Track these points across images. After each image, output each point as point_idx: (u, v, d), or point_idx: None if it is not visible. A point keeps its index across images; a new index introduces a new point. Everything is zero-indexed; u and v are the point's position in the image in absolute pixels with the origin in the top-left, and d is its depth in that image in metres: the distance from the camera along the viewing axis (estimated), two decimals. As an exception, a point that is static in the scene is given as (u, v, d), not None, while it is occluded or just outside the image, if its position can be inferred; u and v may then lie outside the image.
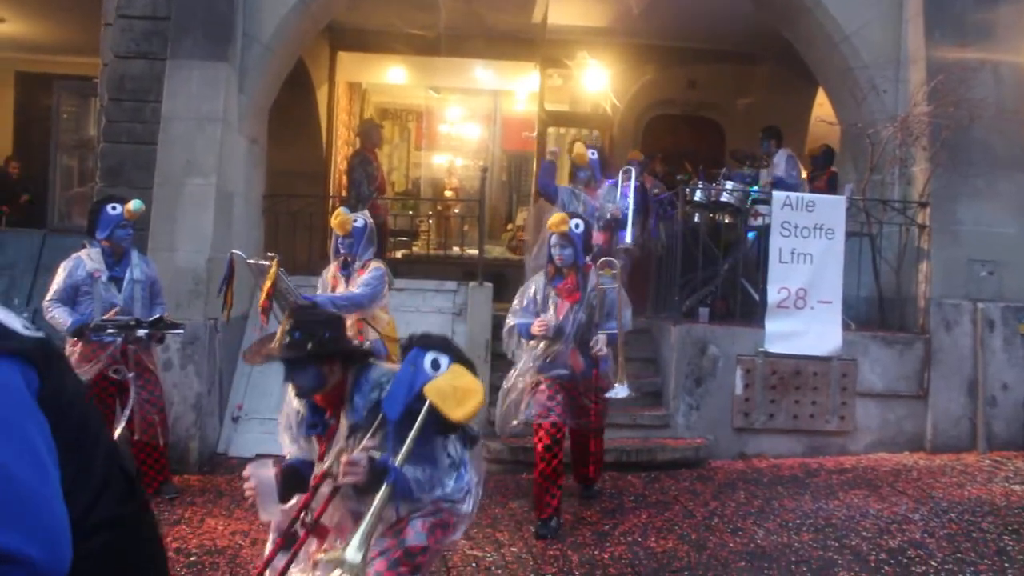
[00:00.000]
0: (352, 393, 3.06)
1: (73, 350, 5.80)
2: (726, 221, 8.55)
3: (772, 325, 7.41)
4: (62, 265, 5.91)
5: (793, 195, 7.65)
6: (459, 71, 12.84)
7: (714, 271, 8.19)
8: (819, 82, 9.51)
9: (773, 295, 7.43)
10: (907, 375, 7.53)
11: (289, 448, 3.32)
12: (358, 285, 5.79)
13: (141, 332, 5.75)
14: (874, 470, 6.89)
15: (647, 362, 8.07)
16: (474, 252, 9.60)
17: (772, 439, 7.40)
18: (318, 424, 3.17)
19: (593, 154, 7.41)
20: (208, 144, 7.47)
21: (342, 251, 5.92)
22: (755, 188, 8.49)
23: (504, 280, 9.05)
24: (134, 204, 5.97)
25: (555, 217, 5.36)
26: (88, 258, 5.89)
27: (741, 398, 7.39)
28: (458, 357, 3.02)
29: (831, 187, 8.97)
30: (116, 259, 5.96)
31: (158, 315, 5.96)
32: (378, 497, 2.78)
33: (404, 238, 12.65)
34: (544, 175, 7.79)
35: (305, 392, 3.08)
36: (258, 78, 7.97)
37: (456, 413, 2.86)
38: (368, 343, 5.87)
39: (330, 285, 5.97)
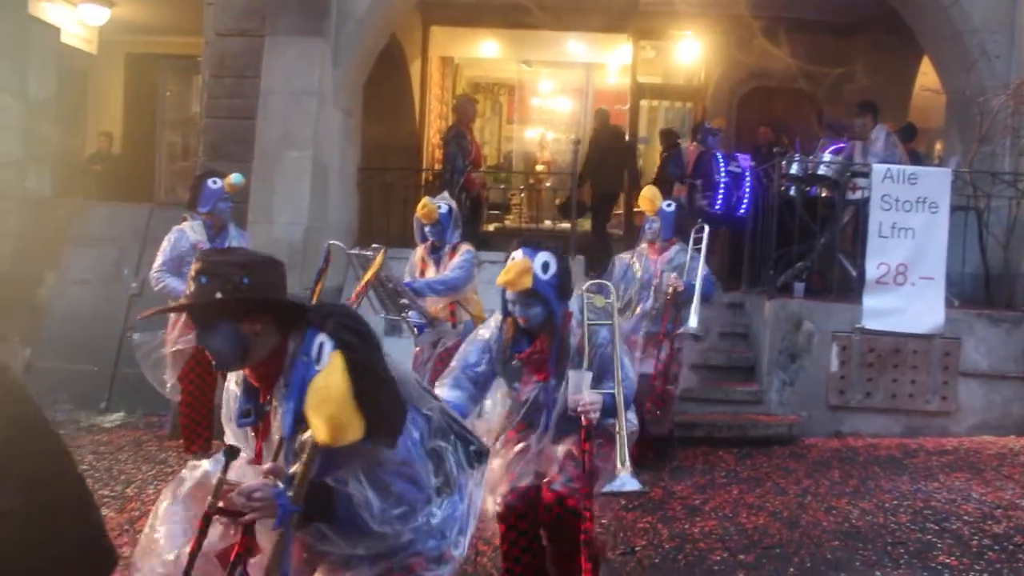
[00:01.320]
0: (290, 367, 2.24)
1: (179, 318, 6.04)
2: (823, 194, 8.33)
3: (870, 301, 7.20)
4: (166, 237, 6.15)
5: (895, 168, 7.39)
6: (551, 44, 12.79)
7: (810, 245, 8.00)
8: (924, 49, 9.15)
9: (872, 270, 7.21)
10: (1015, 355, 7.23)
11: (232, 442, 2.48)
12: (452, 268, 5.84)
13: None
14: (977, 453, 6.65)
15: (739, 337, 7.97)
16: (565, 226, 9.60)
17: (868, 418, 7.21)
18: (251, 412, 2.37)
19: (669, 206, 6.18)
20: (304, 118, 7.64)
21: (430, 238, 5.97)
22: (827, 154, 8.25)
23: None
24: (234, 177, 6.16)
25: (512, 267, 3.33)
26: (191, 230, 6.11)
27: (837, 375, 7.22)
28: (344, 340, 2.14)
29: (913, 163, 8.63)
30: (216, 231, 6.17)
31: None
32: (272, 546, 2.11)
33: (496, 211, 12.72)
34: None
35: (223, 361, 2.30)
36: (352, 53, 8.10)
37: (319, 433, 2.04)
38: (461, 324, 5.96)
39: (419, 268, 6.01)
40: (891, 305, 7.18)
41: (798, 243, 7.84)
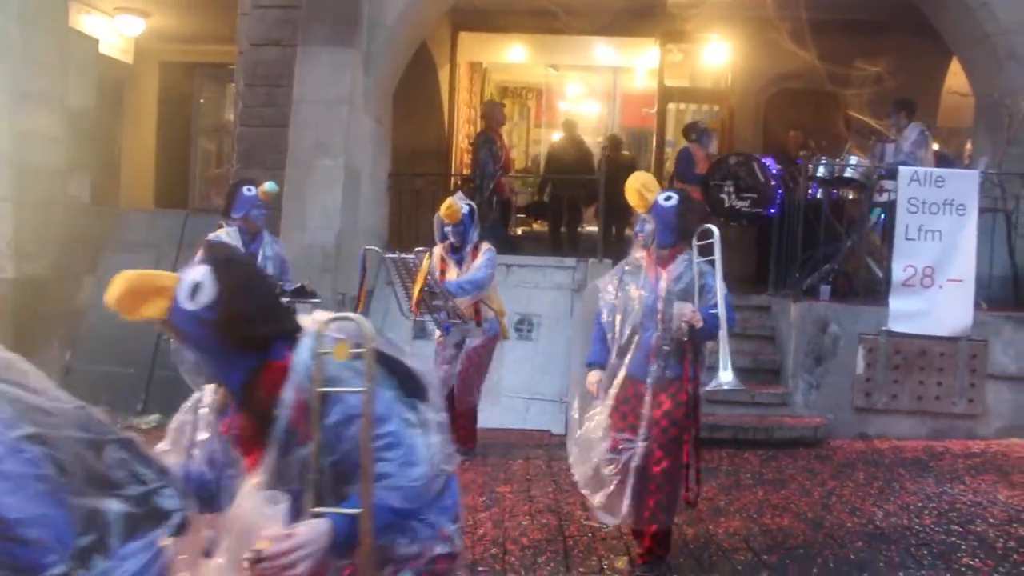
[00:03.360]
0: None
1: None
2: (850, 197, 8.35)
3: (897, 304, 7.22)
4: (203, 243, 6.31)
5: (921, 170, 7.41)
6: (578, 48, 12.88)
7: (836, 248, 8.02)
8: (952, 51, 9.13)
9: (898, 273, 7.23)
10: (1043, 357, 7.21)
11: None
12: (477, 268, 5.97)
13: (283, 300, 6.08)
14: (1005, 456, 6.65)
15: (766, 340, 8.00)
16: (593, 229, 9.68)
17: (894, 420, 7.23)
18: None
19: (667, 199, 4.24)
20: (336, 126, 7.80)
21: (451, 238, 6.07)
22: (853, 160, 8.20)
23: (623, 257, 9.09)
24: (268, 185, 6.31)
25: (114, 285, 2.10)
26: (227, 236, 6.26)
27: (862, 377, 7.24)
28: None
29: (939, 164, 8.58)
30: (251, 237, 6.32)
31: (300, 284, 6.31)
32: None
33: (523, 215, 12.82)
34: None
35: None
36: (383, 61, 8.25)
37: None
38: (486, 322, 6.10)
39: (438, 269, 6.13)
40: (918, 307, 7.19)
41: (824, 246, 7.86)
